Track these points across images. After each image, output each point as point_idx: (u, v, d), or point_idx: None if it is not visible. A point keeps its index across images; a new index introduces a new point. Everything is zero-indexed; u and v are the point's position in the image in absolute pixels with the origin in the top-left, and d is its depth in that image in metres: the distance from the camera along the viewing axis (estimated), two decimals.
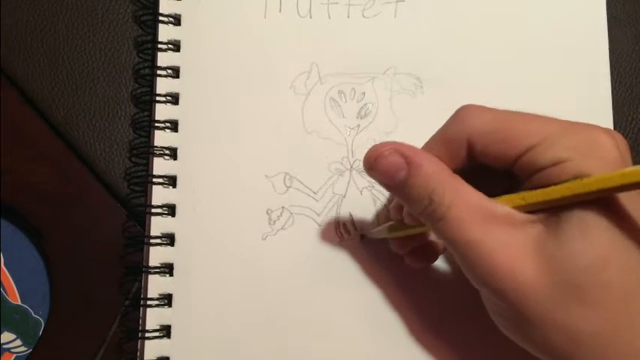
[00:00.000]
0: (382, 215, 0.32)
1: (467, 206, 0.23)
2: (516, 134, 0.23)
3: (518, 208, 0.22)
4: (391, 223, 0.29)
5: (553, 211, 0.22)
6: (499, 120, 0.24)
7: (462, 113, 0.24)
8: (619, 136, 0.22)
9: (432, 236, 0.29)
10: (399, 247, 0.29)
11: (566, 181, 0.21)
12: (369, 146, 0.32)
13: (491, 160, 0.24)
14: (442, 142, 0.25)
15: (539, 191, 0.22)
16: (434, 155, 0.24)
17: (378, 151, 0.25)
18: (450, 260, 0.31)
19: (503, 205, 0.23)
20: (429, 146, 0.25)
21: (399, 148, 0.24)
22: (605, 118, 0.33)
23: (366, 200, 0.32)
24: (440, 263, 0.31)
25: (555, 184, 0.21)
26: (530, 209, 0.22)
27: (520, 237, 0.22)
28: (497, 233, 0.22)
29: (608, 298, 0.21)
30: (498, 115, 0.24)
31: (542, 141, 0.22)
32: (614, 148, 0.22)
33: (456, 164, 0.24)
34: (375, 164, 0.25)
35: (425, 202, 0.23)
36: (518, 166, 0.23)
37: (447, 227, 0.23)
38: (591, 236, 0.21)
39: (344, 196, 0.32)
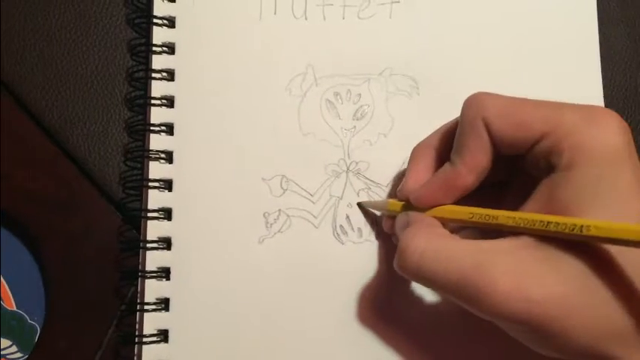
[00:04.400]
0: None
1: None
2: (527, 119, 0.24)
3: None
4: (391, 200, 0.29)
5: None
6: (512, 104, 0.24)
7: (476, 99, 0.25)
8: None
9: None
10: (391, 227, 0.29)
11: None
12: (366, 148, 0.33)
13: (507, 148, 0.24)
14: (465, 133, 0.25)
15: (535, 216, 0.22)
16: (463, 147, 0.25)
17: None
18: None
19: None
20: (444, 132, 0.27)
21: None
22: None
23: None
24: None
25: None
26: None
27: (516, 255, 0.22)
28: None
29: None
30: (511, 100, 0.24)
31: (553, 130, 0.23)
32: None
33: (487, 153, 0.25)
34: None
35: None
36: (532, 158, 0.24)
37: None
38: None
39: (341, 198, 0.32)
